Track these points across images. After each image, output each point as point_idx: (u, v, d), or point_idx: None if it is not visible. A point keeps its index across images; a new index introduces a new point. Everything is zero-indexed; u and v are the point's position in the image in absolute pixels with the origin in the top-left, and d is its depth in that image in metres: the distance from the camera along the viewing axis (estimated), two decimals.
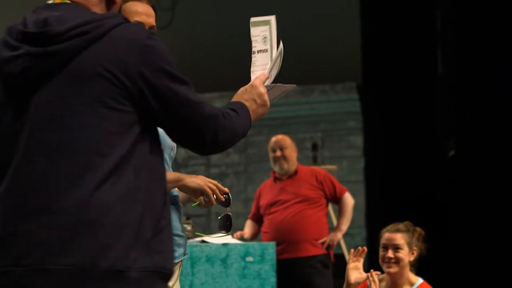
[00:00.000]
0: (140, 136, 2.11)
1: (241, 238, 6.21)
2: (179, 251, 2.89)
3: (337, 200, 6.43)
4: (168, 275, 2.12)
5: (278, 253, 5.95)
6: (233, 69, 10.20)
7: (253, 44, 2.52)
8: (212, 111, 2.20)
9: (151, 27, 2.94)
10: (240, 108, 2.35)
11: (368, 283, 4.18)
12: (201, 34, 10.40)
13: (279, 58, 2.59)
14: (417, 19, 8.60)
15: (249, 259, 5.47)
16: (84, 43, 2.09)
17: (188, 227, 6.09)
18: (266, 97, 2.43)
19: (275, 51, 2.55)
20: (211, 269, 5.35)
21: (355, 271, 4.20)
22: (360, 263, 4.24)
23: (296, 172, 6.41)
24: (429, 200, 8.45)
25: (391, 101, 8.72)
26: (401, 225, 4.40)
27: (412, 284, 4.34)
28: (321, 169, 6.68)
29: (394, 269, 4.29)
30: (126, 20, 2.17)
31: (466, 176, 8.17)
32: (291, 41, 10.33)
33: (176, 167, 10.26)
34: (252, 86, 2.44)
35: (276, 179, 6.47)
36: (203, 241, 5.51)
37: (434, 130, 8.51)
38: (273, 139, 6.51)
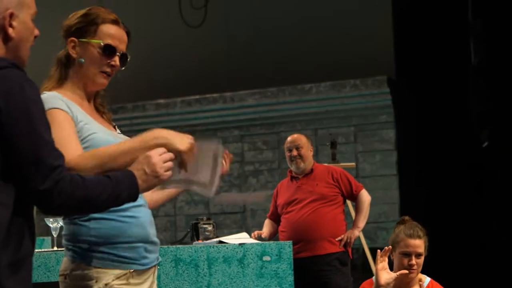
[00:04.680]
0: None
1: (259, 238, 6.23)
2: (150, 257, 2.92)
3: (353, 197, 6.45)
4: None
5: (296, 251, 5.93)
6: (267, 66, 10.28)
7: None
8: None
9: (122, 54, 2.99)
10: (121, 175, 2.45)
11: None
12: (234, 31, 10.45)
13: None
14: (449, 11, 8.59)
15: (266, 258, 5.49)
16: None
17: (209, 227, 6.14)
18: (157, 168, 2.52)
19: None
20: (228, 270, 5.38)
21: (384, 272, 4.23)
22: (385, 263, 4.27)
23: (312, 170, 6.45)
24: (463, 191, 8.44)
25: (423, 93, 8.72)
26: (420, 231, 4.38)
27: (421, 282, 4.37)
28: (337, 167, 6.68)
29: (414, 275, 4.33)
30: (14, 66, 2.23)
31: (500, 166, 8.15)
32: (322, 35, 10.37)
33: None
34: (146, 156, 2.54)
35: (292, 178, 6.51)
36: (220, 242, 5.56)
37: (468, 121, 8.49)
38: (289, 138, 6.53)
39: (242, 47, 10.27)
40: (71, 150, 2.72)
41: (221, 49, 10.46)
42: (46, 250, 5.20)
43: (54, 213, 2.37)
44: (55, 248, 5.20)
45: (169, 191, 3.15)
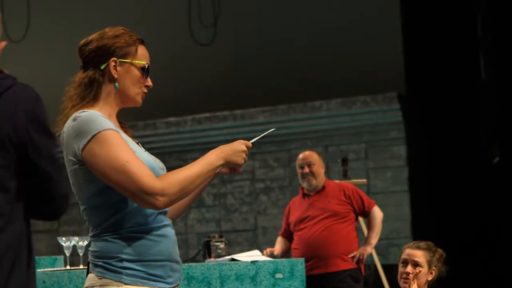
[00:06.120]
0: None
1: (271, 255, 6.23)
2: (175, 276, 2.95)
3: (365, 214, 6.44)
4: None
5: (308, 269, 5.95)
6: (277, 83, 10.30)
7: None
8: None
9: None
10: None
11: None
12: (243, 49, 10.48)
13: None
14: (458, 26, 8.60)
15: (279, 276, 5.48)
16: None
17: (221, 245, 6.13)
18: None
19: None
20: (241, 287, 5.37)
21: None
22: (416, 285, 4.26)
23: (324, 187, 6.44)
24: (474, 207, 8.42)
25: (433, 109, 8.72)
26: (422, 243, 4.40)
27: None
28: (349, 184, 6.68)
29: (407, 285, 4.30)
30: (16, 81, 2.28)
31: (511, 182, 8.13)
32: (331, 52, 10.38)
33: (222, 181, 10.34)
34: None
35: (304, 195, 6.51)
36: (233, 259, 5.55)
37: (478, 137, 8.48)
38: (301, 155, 6.53)
39: (252, 65, 10.29)
40: (149, 173, 2.76)
41: (231, 67, 10.49)
42: (59, 269, 5.21)
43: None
44: (68, 267, 5.21)
45: (194, 194, 3.14)
